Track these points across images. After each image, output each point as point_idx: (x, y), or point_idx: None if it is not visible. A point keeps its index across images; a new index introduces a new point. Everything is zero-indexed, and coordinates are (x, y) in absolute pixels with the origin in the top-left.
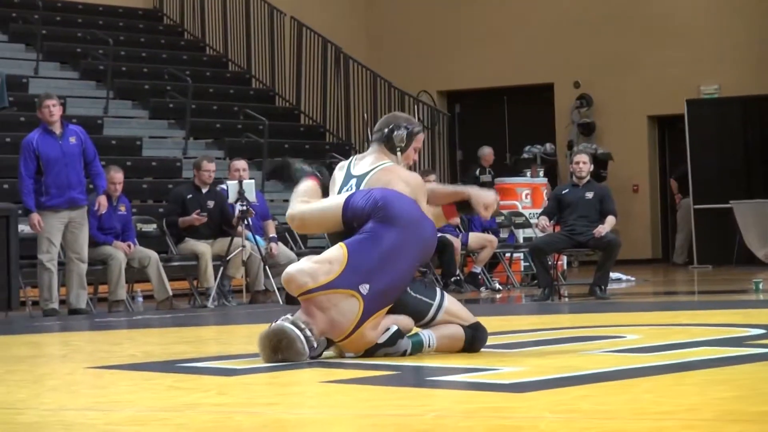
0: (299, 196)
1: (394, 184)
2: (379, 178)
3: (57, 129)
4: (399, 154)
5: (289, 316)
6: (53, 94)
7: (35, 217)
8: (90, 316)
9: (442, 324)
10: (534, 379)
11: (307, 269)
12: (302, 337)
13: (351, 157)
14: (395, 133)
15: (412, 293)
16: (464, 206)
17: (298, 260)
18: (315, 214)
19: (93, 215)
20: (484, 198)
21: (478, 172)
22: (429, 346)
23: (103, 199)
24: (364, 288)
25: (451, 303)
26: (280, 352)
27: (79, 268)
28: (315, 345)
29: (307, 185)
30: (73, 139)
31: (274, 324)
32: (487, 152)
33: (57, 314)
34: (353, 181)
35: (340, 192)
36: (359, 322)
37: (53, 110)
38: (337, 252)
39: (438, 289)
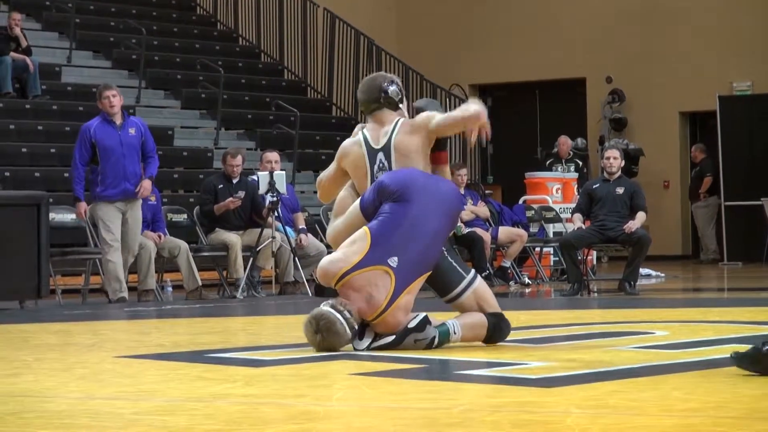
0: (333, 213)
1: (413, 138)
2: (402, 141)
3: (117, 119)
4: (402, 106)
5: (329, 301)
6: (112, 85)
7: (82, 206)
8: (121, 305)
9: (466, 311)
10: (562, 375)
11: (338, 257)
12: (341, 318)
13: (357, 131)
14: (389, 90)
15: (450, 259)
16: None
17: (328, 253)
18: (342, 229)
19: None
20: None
21: (552, 165)
22: (455, 333)
23: (147, 183)
24: (393, 261)
25: (481, 285)
26: (321, 333)
27: (126, 260)
28: (356, 326)
29: (341, 197)
30: (132, 131)
31: (315, 309)
32: (561, 141)
33: (125, 301)
34: (380, 155)
35: (372, 169)
36: (392, 296)
37: (113, 101)
38: (361, 233)
39: (473, 270)
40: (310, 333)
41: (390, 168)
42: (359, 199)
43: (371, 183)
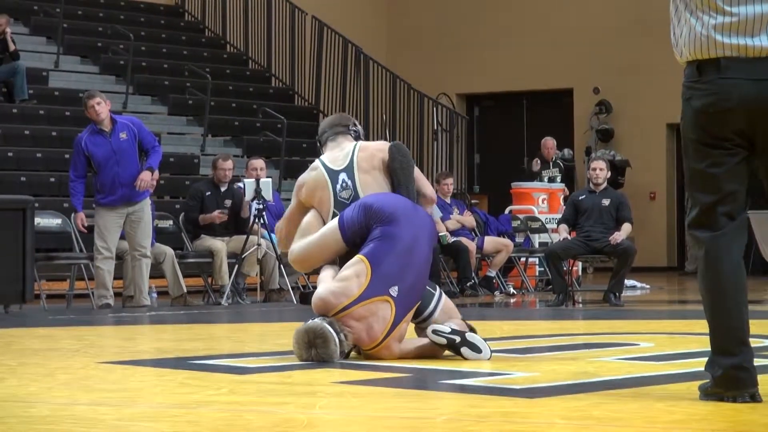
0: (297, 235)
1: (376, 154)
2: (364, 157)
3: (106, 126)
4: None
5: (327, 318)
6: (96, 92)
7: (79, 217)
8: (106, 311)
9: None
10: (546, 385)
11: (338, 289)
12: (337, 338)
13: (316, 161)
14: (357, 127)
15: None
16: None
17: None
18: (314, 248)
19: None
20: None
21: (538, 167)
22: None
23: (145, 174)
24: (394, 290)
25: (445, 298)
26: (314, 348)
27: (140, 264)
28: (345, 350)
29: (307, 221)
30: (123, 135)
31: (311, 321)
32: (550, 144)
33: (110, 308)
34: (342, 175)
35: (335, 191)
36: (391, 326)
37: (98, 109)
38: (359, 265)
39: (435, 285)
40: (302, 345)
41: (354, 186)
42: (337, 217)
43: (335, 204)
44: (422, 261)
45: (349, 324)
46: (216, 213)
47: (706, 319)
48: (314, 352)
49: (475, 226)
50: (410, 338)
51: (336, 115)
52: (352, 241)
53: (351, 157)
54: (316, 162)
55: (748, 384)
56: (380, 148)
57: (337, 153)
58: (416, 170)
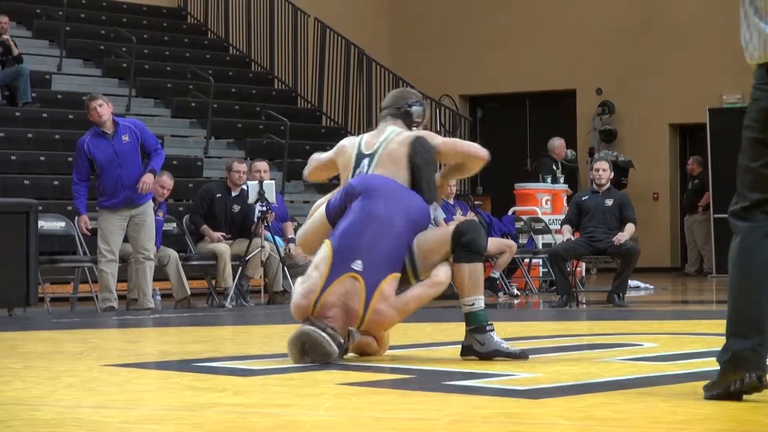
0: (307, 220)
1: (399, 148)
2: (390, 149)
3: (108, 129)
4: (415, 129)
5: (309, 319)
6: (98, 94)
7: (83, 219)
8: (110, 314)
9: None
10: (550, 386)
11: (305, 289)
12: (326, 336)
13: (359, 137)
14: (413, 107)
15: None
16: None
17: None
18: (309, 232)
19: None
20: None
21: (554, 166)
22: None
23: (147, 177)
24: (357, 265)
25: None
26: (308, 354)
27: (143, 266)
28: (342, 341)
29: (317, 206)
30: (125, 138)
31: (297, 330)
32: (557, 144)
33: (114, 311)
34: (365, 161)
35: (354, 173)
36: (366, 299)
37: (101, 111)
38: (323, 252)
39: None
40: (296, 353)
41: (367, 173)
42: (327, 202)
43: None
44: (396, 234)
45: (327, 315)
46: (217, 235)
47: (728, 305)
48: (309, 358)
49: None
50: (404, 293)
51: (396, 92)
52: (336, 223)
53: (382, 143)
54: (356, 139)
55: (755, 366)
56: (403, 141)
57: (375, 137)
58: (449, 141)
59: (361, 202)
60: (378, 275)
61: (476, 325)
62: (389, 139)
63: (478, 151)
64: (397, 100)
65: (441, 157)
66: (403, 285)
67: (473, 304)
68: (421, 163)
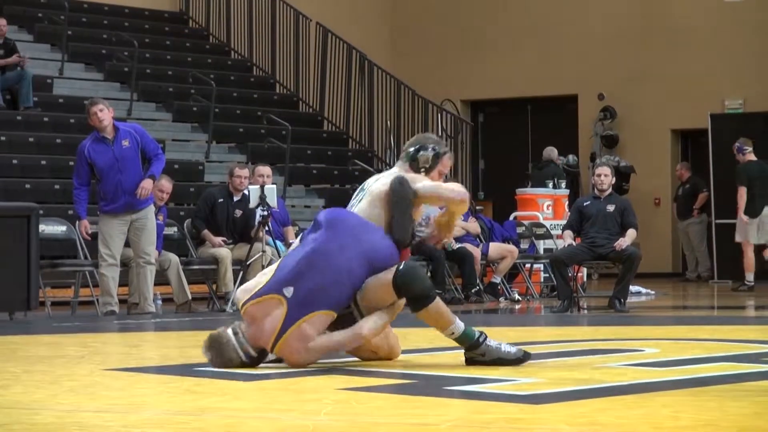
0: None
1: (382, 188)
2: (378, 187)
3: (109, 134)
4: (423, 174)
5: (236, 322)
6: (99, 99)
7: (83, 224)
8: (111, 318)
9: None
10: (551, 391)
11: (246, 286)
12: (235, 342)
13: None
14: (421, 153)
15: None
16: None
17: None
18: None
19: None
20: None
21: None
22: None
23: (146, 182)
24: (288, 291)
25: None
26: (212, 351)
27: (144, 271)
28: (253, 353)
29: None
30: (126, 143)
31: (221, 328)
32: (555, 155)
33: (115, 315)
34: (359, 195)
35: (349, 203)
36: (282, 327)
37: (101, 115)
38: (275, 264)
39: None
40: (205, 349)
41: (353, 206)
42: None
43: None
44: (338, 269)
45: (247, 324)
46: (218, 240)
47: None
48: (212, 355)
49: (480, 233)
50: (325, 334)
51: (415, 137)
52: None
53: (375, 182)
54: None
55: None
56: (385, 182)
57: (380, 175)
58: (429, 185)
59: (316, 234)
60: (303, 309)
61: (468, 343)
62: (384, 177)
63: (455, 197)
64: (409, 144)
65: (422, 200)
66: (348, 322)
67: (453, 332)
68: (393, 202)
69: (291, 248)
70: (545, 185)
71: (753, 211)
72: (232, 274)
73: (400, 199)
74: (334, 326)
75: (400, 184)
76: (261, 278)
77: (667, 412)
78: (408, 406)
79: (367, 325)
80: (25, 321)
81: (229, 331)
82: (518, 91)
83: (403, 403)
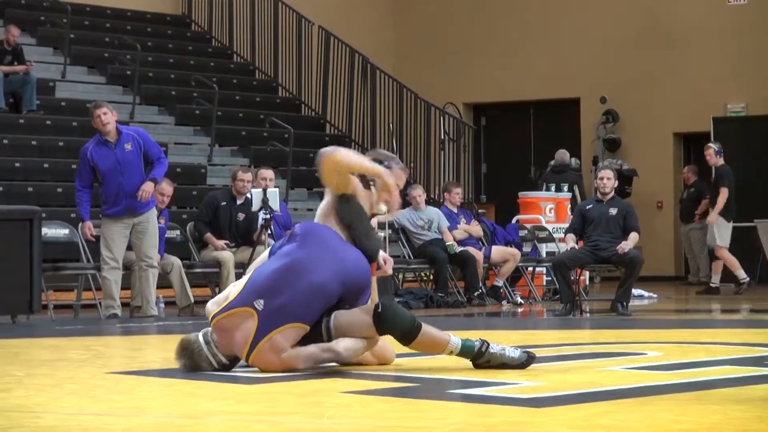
0: None
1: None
2: (323, 204)
3: (112, 137)
4: (372, 188)
5: (207, 329)
6: (103, 102)
7: (86, 225)
8: (113, 322)
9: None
10: (553, 395)
11: (217, 298)
12: (207, 352)
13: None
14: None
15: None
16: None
17: None
18: (255, 266)
19: None
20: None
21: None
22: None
23: (147, 185)
24: (259, 303)
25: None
26: (185, 359)
27: (146, 274)
28: (224, 361)
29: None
30: (128, 146)
31: (193, 334)
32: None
33: (117, 318)
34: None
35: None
36: (254, 339)
37: (105, 119)
38: (245, 277)
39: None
40: (177, 357)
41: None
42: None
43: None
44: (310, 286)
45: (219, 335)
46: (221, 243)
47: None
48: (184, 362)
49: (483, 236)
50: (298, 348)
51: (368, 152)
52: None
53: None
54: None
55: None
56: (326, 201)
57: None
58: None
59: (290, 247)
60: (275, 322)
61: (472, 354)
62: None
63: (380, 169)
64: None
65: (348, 168)
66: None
67: (452, 351)
68: (346, 221)
69: (259, 260)
70: (561, 189)
71: (730, 215)
72: (234, 277)
73: (351, 215)
74: (306, 340)
75: (340, 205)
76: (232, 289)
77: (670, 416)
78: (410, 410)
79: (344, 344)
80: (27, 324)
81: (201, 338)
82: (521, 95)
83: (406, 407)
